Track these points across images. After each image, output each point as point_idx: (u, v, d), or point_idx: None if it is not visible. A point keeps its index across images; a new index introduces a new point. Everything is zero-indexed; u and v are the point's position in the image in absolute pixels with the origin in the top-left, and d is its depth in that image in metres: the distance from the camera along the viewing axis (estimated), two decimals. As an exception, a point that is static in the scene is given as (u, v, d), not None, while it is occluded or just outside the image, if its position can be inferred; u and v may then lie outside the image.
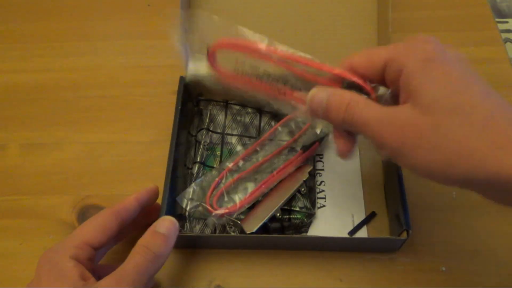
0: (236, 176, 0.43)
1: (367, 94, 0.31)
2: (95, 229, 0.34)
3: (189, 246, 0.42)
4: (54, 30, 0.60)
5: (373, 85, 0.32)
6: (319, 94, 0.31)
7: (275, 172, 0.43)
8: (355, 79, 0.31)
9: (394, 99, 0.31)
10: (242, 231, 0.41)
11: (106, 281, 0.31)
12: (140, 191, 0.39)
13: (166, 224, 0.35)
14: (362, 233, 0.42)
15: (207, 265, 0.42)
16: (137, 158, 0.49)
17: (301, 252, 0.42)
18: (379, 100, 0.31)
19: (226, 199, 0.42)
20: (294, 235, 0.42)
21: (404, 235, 0.37)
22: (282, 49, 0.32)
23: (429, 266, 0.41)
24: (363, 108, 0.29)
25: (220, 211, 0.40)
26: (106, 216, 0.35)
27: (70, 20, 0.61)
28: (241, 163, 0.44)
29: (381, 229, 0.43)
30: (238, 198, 0.41)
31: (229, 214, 0.40)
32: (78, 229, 0.35)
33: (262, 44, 0.32)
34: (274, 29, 0.47)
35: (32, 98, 0.54)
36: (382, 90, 0.32)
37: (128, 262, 0.32)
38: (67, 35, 0.59)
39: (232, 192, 0.42)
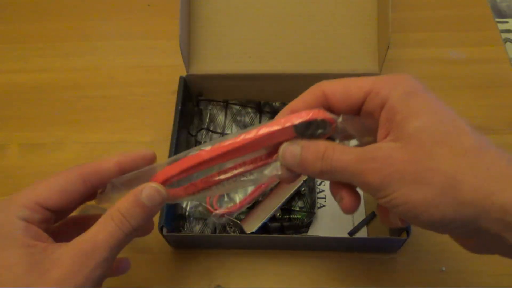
0: (236, 176, 0.43)
1: (327, 125, 0.27)
2: (52, 189, 0.28)
3: (189, 246, 0.42)
4: (54, 30, 0.60)
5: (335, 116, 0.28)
6: (291, 147, 0.28)
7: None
8: (307, 117, 0.27)
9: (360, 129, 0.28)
10: (242, 231, 0.41)
11: (71, 252, 0.25)
12: (128, 153, 0.30)
13: (152, 193, 0.28)
14: (362, 233, 0.42)
15: (207, 265, 0.42)
16: (137, 158, 0.49)
17: (301, 252, 0.42)
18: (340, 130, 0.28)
19: (226, 199, 0.42)
20: (294, 235, 0.42)
21: (404, 235, 0.37)
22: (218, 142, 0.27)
23: (429, 266, 0.41)
24: (341, 153, 0.26)
25: (220, 211, 0.40)
26: (70, 176, 0.29)
27: (70, 20, 0.61)
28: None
29: (381, 229, 0.43)
30: (238, 198, 0.41)
31: (229, 214, 0.40)
32: (30, 186, 0.28)
33: (205, 151, 0.28)
34: (274, 29, 0.47)
35: (32, 98, 0.54)
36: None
37: (100, 230, 0.26)
38: (67, 35, 0.59)
39: (232, 192, 0.42)
